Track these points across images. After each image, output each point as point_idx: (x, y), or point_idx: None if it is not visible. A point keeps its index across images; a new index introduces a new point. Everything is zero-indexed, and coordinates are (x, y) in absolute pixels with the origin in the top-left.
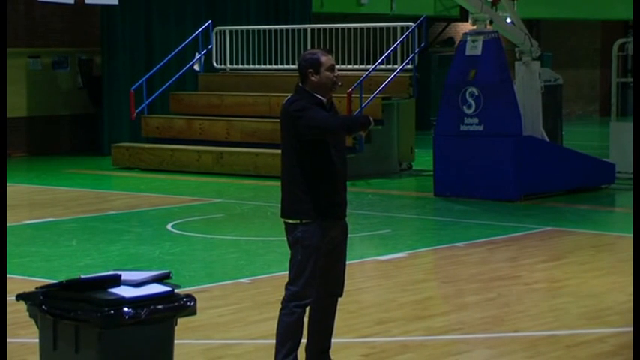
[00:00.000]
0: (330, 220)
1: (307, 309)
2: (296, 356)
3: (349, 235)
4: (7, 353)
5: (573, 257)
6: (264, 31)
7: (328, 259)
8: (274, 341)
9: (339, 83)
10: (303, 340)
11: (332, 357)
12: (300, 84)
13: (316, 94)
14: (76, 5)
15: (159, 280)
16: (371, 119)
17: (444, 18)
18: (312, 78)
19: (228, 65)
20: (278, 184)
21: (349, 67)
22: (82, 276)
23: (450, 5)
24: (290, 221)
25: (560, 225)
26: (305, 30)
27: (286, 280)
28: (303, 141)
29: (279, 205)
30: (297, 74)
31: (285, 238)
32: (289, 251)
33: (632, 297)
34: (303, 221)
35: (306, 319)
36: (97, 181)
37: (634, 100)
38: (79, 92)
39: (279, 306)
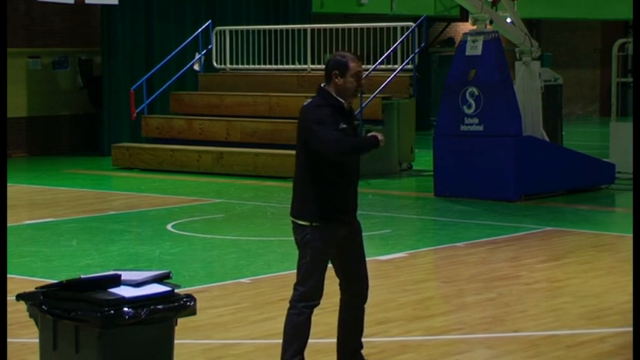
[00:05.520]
0: (337, 224)
1: (321, 313)
2: (302, 357)
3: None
4: (7, 353)
5: (573, 257)
6: (264, 31)
7: (344, 259)
8: (274, 341)
9: (363, 91)
10: (323, 341)
11: (337, 357)
12: (324, 84)
13: (337, 97)
14: (76, 5)
15: (159, 280)
16: (379, 138)
17: (444, 18)
18: (336, 80)
19: (228, 65)
20: (278, 184)
21: None
22: (82, 276)
23: (450, 5)
24: (300, 222)
25: (560, 225)
26: (305, 30)
27: (288, 279)
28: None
29: (283, 204)
30: (296, 74)
31: (288, 238)
32: (296, 251)
33: (632, 297)
34: (314, 224)
35: (327, 319)
36: (97, 181)
37: (634, 100)
38: (79, 92)
39: (280, 306)
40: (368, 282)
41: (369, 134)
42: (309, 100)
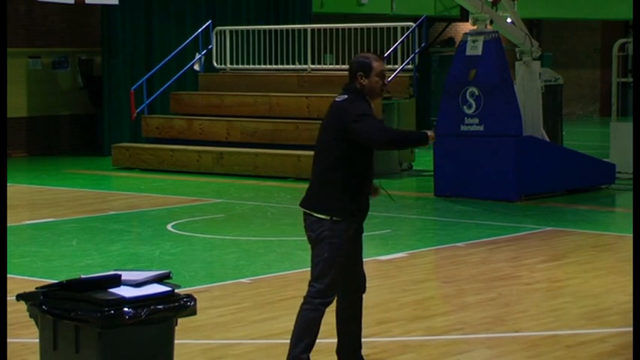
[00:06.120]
0: (354, 221)
1: (327, 310)
2: (309, 357)
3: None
4: (7, 353)
5: (574, 257)
6: (264, 31)
7: (348, 257)
8: (274, 341)
9: (388, 90)
10: (324, 341)
11: (338, 357)
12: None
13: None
14: (76, 5)
15: (159, 280)
16: (429, 135)
17: (444, 18)
18: (361, 81)
19: (228, 65)
20: (278, 184)
21: None
22: (82, 276)
23: (450, 5)
24: (320, 216)
25: (560, 225)
26: (305, 30)
27: (288, 279)
28: (351, 142)
29: (284, 203)
30: (296, 74)
31: (288, 238)
32: (296, 251)
33: (632, 297)
34: (334, 218)
35: (327, 319)
36: (97, 181)
37: (634, 100)
38: (79, 92)
39: (280, 306)
40: (365, 278)
41: (423, 130)
42: (344, 97)
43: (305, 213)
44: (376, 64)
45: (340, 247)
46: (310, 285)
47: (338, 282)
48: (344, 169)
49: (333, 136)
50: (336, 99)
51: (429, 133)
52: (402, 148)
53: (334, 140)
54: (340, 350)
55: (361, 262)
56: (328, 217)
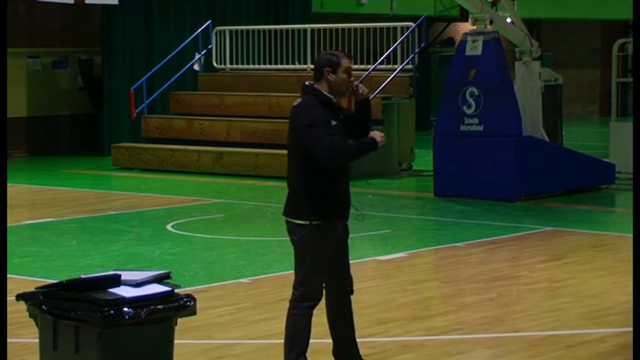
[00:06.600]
0: (337, 220)
1: (321, 313)
2: (306, 357)
3: (349, 235)
4: (7, 353)
5: (573, 257)
6: (264, 31)
7: (335, 258)
8: (274, 341)
9: (354, 88)
10: (323, 341)
11: (335, 358)
12: (310, 82)
13: (326, 93)
14: (76, 5)
15: (159, 280)
16: (378, 140)
17: (444, 18)
18: (328, 77)
19: (228, 65)
20: (278, 184)
21: None
22: (82, 276)
23: (450, 5)
24: (299, 222)
25: (560, 225)
26: (305, 30)
27: (288, 279)
28: None
29: (283, 204)
30: (296, 74)
31: (286, 238)
32: (293, 251)
33: (632, 297)
34: (313, 222)
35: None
36: (97, 181)
37: (634, 100)
38: (79, 92)
39: (279, 306)
40: (352, 278)
41: (369, 135)
42: (299, 100)
43: (286, 220)
44: (344, 61)
45: (323, 249)
46: (295, 288)
47: (322, 284)
48: (313, 173)
49: (295, 141)
50: (294, 103)
51: (377, 138)
52: (351, 161)
53: (297, 146)
54: (337, 352)
55: (348, 264)
56: (307, 222)
